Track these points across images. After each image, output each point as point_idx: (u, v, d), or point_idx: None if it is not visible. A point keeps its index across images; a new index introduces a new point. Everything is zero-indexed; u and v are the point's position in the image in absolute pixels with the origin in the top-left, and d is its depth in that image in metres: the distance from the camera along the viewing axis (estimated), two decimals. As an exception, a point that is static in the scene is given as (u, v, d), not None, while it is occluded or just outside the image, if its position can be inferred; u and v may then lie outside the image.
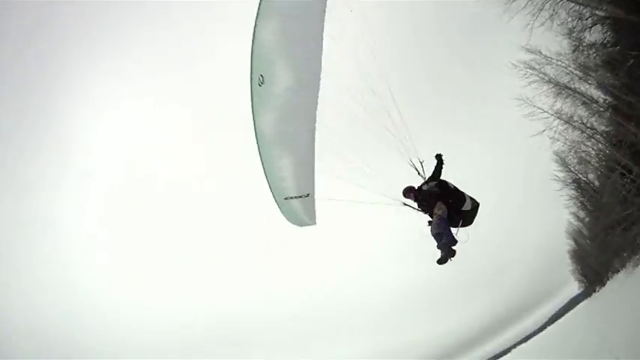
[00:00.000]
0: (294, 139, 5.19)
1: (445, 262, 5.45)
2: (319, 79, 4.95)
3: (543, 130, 16.91)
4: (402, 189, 5.77)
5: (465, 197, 5.53)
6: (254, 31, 4.75)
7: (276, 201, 5.56)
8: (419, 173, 5.80)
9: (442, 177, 5.81)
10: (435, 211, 5.40)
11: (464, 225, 5.54)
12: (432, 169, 5.85)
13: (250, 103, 4.85)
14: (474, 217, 5.63)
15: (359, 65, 5.15)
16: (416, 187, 5.78)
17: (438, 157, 5.86)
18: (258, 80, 4.85)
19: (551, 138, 17.44)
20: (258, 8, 4.72)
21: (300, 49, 5.06)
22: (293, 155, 5.24)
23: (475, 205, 5.58)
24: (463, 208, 5.53)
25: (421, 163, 5.78)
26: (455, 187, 5.65)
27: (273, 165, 5.20)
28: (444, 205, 5.42)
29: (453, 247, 5.40)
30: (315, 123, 5.04)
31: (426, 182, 5.75)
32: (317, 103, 4.99)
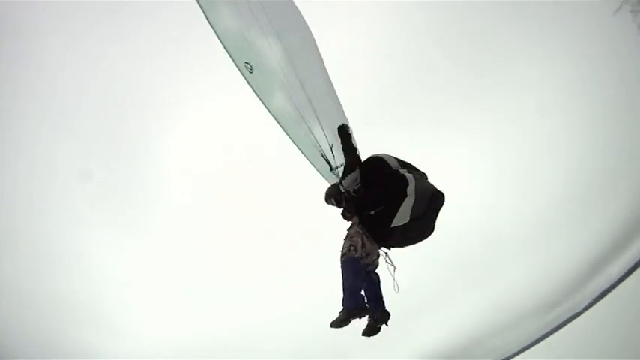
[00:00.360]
0: (315, 104, 4.47)
1: (342, 324, 2.98)
2: (308, 31, 4.49)
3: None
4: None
5: (405, 191, 2.98)
6: (210, 25, 4.15)
7: (326, 178, 4.51)
8: (327, 162, 4.11)
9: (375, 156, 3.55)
10: (345, 240, 3.31)
11: (410, 243, 3.24)
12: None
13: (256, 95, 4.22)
14: (429, 224, 3.16)
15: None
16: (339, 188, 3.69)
17: (341, 129, 4.11)
18: (247, 69, 4.23)
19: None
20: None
21: (271, 18, 4.49)
22: (323, 121, 4.44)
23: (429, 202, 3.03)
24: (394, 224, 2.97)
25: (331, 147, 4.16)
26: (391, 171, 3.25)
27: (309, 140, 4.33)
28: (358, 226, 3.26)
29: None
30: (328, 76, 4.52)
31: (343, 176, 3.75)
32: (320, 56, 4.51)
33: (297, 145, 4.50)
